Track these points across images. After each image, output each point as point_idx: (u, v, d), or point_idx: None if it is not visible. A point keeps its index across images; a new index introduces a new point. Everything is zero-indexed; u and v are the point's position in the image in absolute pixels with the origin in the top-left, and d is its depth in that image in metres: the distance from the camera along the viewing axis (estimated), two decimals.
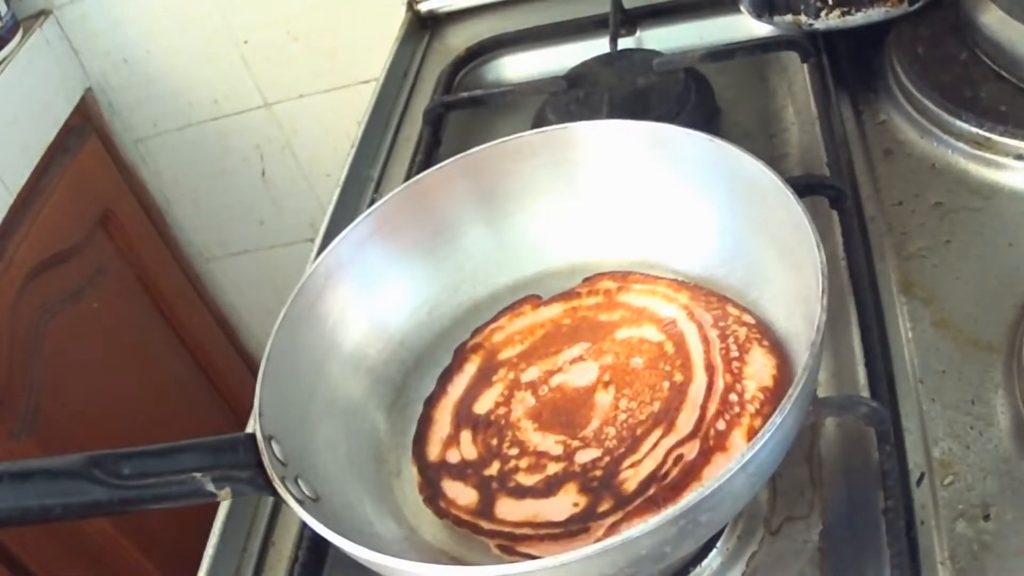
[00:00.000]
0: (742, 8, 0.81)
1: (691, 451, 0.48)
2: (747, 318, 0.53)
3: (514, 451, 0.52)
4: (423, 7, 1.06)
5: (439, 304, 0.62)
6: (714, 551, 0.51)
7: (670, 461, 0.48)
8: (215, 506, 0.61)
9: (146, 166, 1.33)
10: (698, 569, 0.51)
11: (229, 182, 1.33)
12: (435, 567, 0.43)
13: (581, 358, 0.56)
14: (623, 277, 0.59)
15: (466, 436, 0.54)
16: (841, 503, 0.52)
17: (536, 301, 0.61)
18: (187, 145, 1.30)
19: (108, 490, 0.44)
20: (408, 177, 0.83)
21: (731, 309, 0.54)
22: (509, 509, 0.50)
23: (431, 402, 0.57)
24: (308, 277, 0.57)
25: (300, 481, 0.48)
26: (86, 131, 1.23)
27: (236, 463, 0.47)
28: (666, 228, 0.60)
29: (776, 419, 0.41)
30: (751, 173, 0.53)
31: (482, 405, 0.56)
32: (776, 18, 0.78)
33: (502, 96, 0.88)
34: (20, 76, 1.12)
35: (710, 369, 0.51)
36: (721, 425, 0.48)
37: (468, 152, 0.61)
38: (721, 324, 0.53)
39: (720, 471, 0.40)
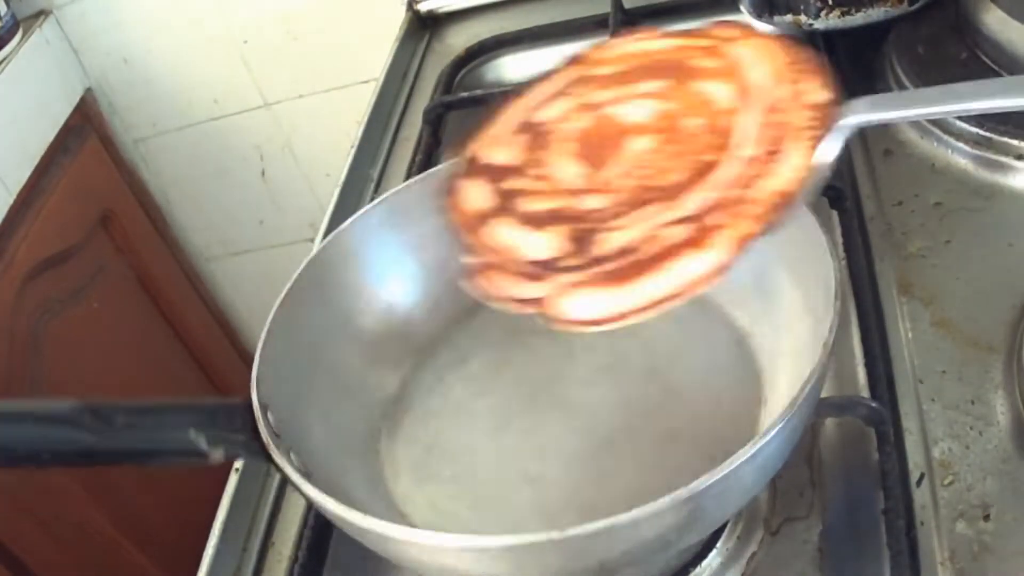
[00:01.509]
0: (742, 8, 0.81)
1: (674, 236, 0.44)
2: (821, 101, 0.49)
3: (538, 172, 0.50)
4: (423, 7, 1.06)
5: (448, 291, 0.62)
6: (714, 551, 0.51)
7: (651, 238, 0.44)
8: (215, 506, 0.61)
9: (146, 166, 1.33)
10: (698, 569, 0.51)
11: (229, 182, 1.33)
12: (426, 533, 0.42)
13: (649, 95, 0.52)
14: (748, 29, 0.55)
15: (517, 140, 0.52)
16: (841, 503, 0.52)
17: (652, 31, 0.58)
18: (187, 145, 1.30)
19: (98, 438, 0.43)
20: (408, 177, 0.83)
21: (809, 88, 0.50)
22: (502, 231, 0.48)
23: (506, 98, 0.55)
24: (315, 255, 0.57)
25: (292, 455, 0.47)
26: (86, 131, 1.23)
27: (232, 427, 0.46)
28: None
29: (786, 415, 0.40)
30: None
31: (546, 113, 0.54)
32: (776, 18, 0.78)
33: (502, 96, 0.88)
34: (20, 76, 1.12)
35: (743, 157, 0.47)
36: (717, 218, 0.44)
37: None
38: (794, 102, 0.49)
39: (684, 272, 0.40)
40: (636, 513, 0.38)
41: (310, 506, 0.58)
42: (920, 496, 0.49)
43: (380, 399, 0.58)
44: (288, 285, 0.54)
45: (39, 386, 1.08)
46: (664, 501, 0.38)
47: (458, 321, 0.62)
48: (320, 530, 0.58)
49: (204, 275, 1.44)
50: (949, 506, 0.49)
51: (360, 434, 0.56)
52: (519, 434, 0.55)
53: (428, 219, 0.61)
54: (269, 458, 0.46)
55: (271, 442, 0.46)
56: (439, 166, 0.62)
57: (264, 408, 0.48)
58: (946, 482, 0.50)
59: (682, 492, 0.39)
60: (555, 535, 0.38)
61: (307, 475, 0.47)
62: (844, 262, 0.62)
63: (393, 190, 0.60)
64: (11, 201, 1.08)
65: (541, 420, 0.56)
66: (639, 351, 0.58)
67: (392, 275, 0.61)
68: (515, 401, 0.57)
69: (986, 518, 0.48)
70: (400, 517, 0.52)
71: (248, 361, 1.48)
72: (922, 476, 0.50)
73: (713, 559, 0.51)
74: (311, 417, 0.53)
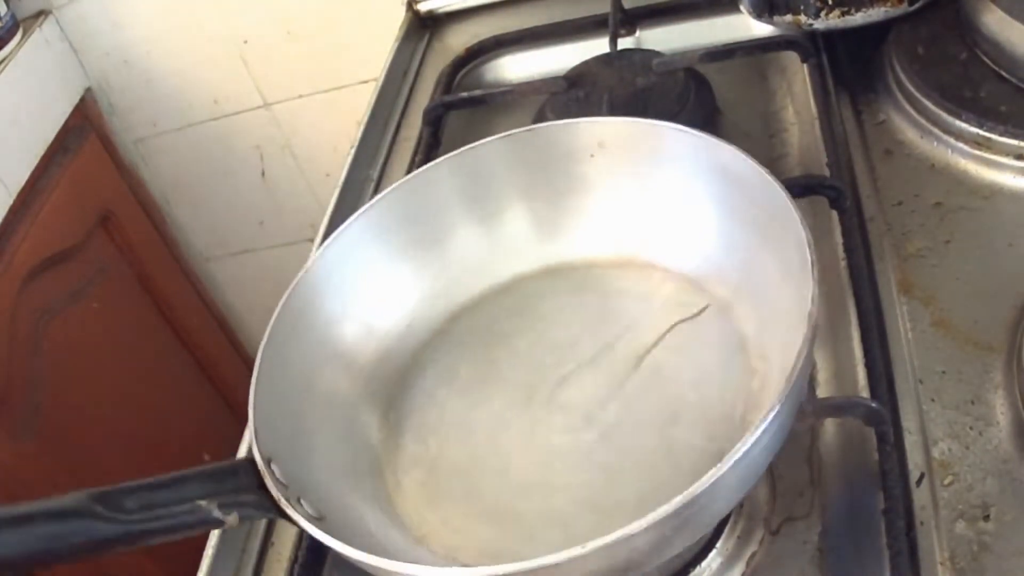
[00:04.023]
0: (742, 8, 0.81)
1: None
2: None
3: None
4: (423, 7, 1.06)
5: (440, 297, 0.62)
6: (714, 551, 0.51)
7: None
8: None
9: (146, 166, 1.33)
10: (698, 569, 0.51)
11: (229, 182, 1.33)
12: (450, 570, 0.42)
13: None
14: None
15: None
16: (841, 503, 0.52)
17: None
18: (187, 145, 1.30)
19: (114, 526, 0.43)
20: None
21: None
22: None
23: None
24: (298, 282, 0.56)
25: (303, 502, 0.47)
26: (86, 131, 1.23)
27: (239, 487, 0.46)
28: (661, 225, 0.60)
29: (757, 431, 0.40)
30: (746, 174, 0.53)
31: None
32: (776, 18, 0.78)
33: (502, 96, 0.88)
34: (20, 76, 1.12)
35: None
36: None
37: (465, 148, 0.62)
38: None
39: None
40: (601, 541, 0.38)
41: None
42: (920, 496, 0.49)
43: (377, 428, 0.57)
44: (273, 320, 0.53)
45: (39, 386, 1.08)
46: (632, 527, 0.38)
47: (454, 324, 0.62)
48: None
49: (204, 275, 1.44)
50: (949, 506, 0.49)
51: (365, 464, 0.55)
52: (519, 442, 0.55)
53: (413, 223, 0.61)
54: (283, 513, 0.45)
55: (281, 496, 0.45)
56: (418, 170, 0.62)
57: (267, 461, 0.47)
58: (946, 482, 0.50)
59: (649, 517, 0.38)
60: (537, 562, 0.38)
61: (319, 519, 0.46)
62: (844, 262, 0.62)
63: (373, 200, 0.60)
64: (11, 201, 1.08)
65: (538, 424, 0.55)
66: (621, 338, 0.58)
67: (383, 285, 0.61)
68: (509, 409, 0.57)
69: (986, 518, 0.48)
70: (416, 542, 0.51)
71: (248, 361, 1.48)
72: (922, 476, 0.50)
73: (713, 559, 0.51)
74: (315, 458, 0.52)
